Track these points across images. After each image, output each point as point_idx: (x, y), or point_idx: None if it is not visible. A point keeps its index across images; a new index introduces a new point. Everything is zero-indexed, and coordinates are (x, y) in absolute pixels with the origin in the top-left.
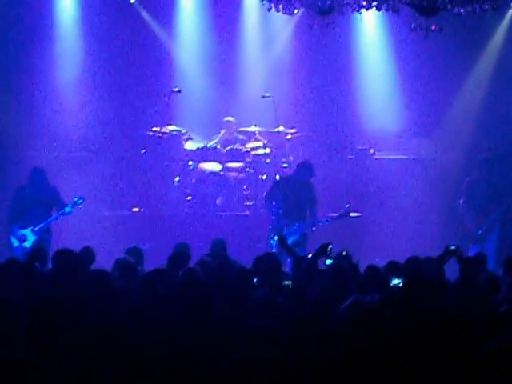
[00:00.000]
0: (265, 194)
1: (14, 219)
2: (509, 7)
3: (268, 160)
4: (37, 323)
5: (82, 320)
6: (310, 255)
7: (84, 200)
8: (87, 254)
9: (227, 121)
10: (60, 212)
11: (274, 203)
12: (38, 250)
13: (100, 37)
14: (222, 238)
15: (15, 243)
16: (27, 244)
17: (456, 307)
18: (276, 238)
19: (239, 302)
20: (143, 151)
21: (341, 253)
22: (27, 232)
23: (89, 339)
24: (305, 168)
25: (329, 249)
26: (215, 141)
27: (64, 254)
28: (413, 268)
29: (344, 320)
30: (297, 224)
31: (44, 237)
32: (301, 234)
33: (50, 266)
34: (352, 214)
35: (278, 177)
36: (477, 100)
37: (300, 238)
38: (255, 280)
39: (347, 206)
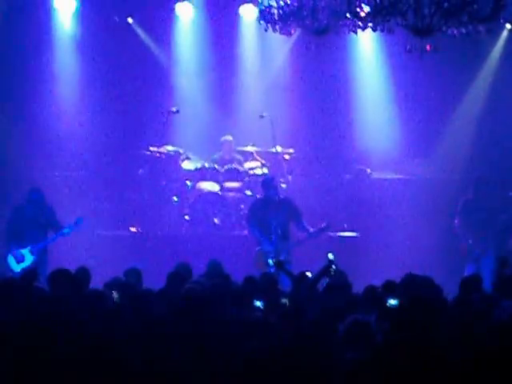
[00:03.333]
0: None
1: (11, 239)
2: (503, 28)
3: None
4: (32, 343)
5: (78, 339)
6: (309, 274)
7: (83, 221)
8: (83, 274)
9: (225, 140)
10: (59, 233)
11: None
12: (33, 271)
13: (98, 57)
14: (217, 260)
15: (13, 263)
16: (25, 264)
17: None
18: (272, 261)
19: (233, 322)
20: (141, 171)
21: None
22: (25, 252)
23: (84, 359)
24: (266, 185)
25: (332, 270)
26: (213, 159)
27: (60, 274)
28: (409, 287)
29: (344, 339)
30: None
31: (42, 257)
32: (286, 252)
33: (46, 286)
34: (346, 233)
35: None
36: (473, 120)
37: (287, 257)
38: (260, 303)
39: (324, 224)
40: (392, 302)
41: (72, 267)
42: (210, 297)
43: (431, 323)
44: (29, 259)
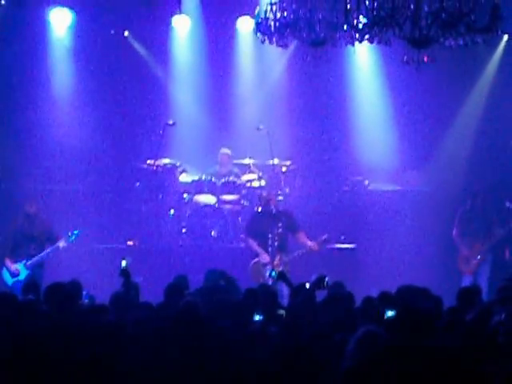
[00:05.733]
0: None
1: (6, 253)
2: (500, 39)
3: (264, 192)
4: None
5: (75, 353)
6: (307, 284)
7: (79, 234)
8: (75, 288)
9: (222, 153)
10: (54, 246)
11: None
12: (30, 285)
13: (94, 70)
14: (216, 269)
15: (7, 277)
16: (20, 278)
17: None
18: (274, 273)
19: (232, 334)
20: (138, 184)
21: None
22: (20, 266)
23: (81, 373)
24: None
25: (325, 281)
26: (211, 172)
27: (56, 289)
28: (405, 298)
29: (357, 352)
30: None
31: (37, 271)
32: (283, 264)
33: (42, 300)
34: (344, 245)
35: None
36: (470, 131)
37: (284, 269)
38: (259, 317)
39: (324, 237)
40: (389, 313)
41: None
42: (208, 309)
43: (428, 334)
44: (23, 273)
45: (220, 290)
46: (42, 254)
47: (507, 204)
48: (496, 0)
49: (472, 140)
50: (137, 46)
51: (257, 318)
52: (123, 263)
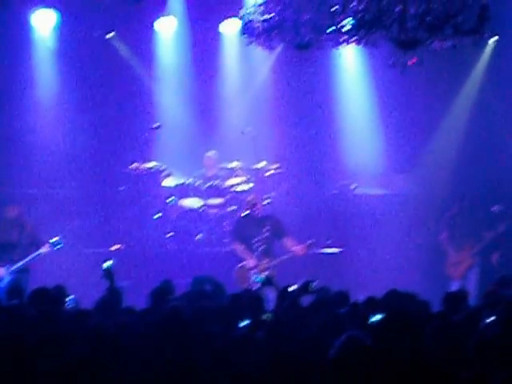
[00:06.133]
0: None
1: None
2: (488, 41)
3: (250, 196)
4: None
5: (60, 357)
6: (291, 289)
7: (62, 243)
8: (59, 292)
9: (208, 157)
10: (37, 252)
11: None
12: (14, 289)
13: (78, 72)
14: (203, 275)
15: None
16: (2, 283)
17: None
18: (260, 278)
19: (218, 339)
20: (122, 188)
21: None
22: (3, 271)
23: (65, 377)
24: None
25: (312, 286)
26: (197, 176)
27: (40, 294)
28: (392, 303)
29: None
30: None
31: (21, 276)
32: (269, 268)
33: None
34: (331, 249)
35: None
36: (457, 134)
37: (270, 273)
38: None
39: (310, 242)
40: (375, 318)
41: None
42: (194, 314)
43: (415, 338)
44: (6, 279)
45: (206, 295)
46: (26, 259)
47: (495, 208)
48: (483, 1)
49: (459, 143)
50: (121, 47)
51: (243, 323)
52: (106, 265)
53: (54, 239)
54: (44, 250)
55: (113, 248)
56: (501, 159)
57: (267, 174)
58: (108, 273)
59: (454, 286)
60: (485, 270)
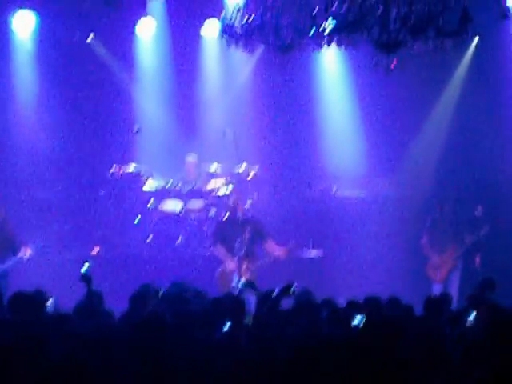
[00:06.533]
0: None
1: None
2: (470, 42)
3: (230, 199)
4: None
5: (41, 362)
6: (272, 293)
7: (43, 247)
8: (39, 296)
9: (188, 159)
10: (18, 257)
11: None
12: None
13: (58, 75)
14: (181, 282)
15: None
16: None
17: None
18: (241, 282)
19: (199, 343)
20: (102, 191)
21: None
22: None
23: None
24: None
25: (292, 289)
26: (177, 179)
27: (20, 298)
28: (373, 307)
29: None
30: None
31: (1, 280)
32: (250, 272)
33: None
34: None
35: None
36: (439, 137)
37: (251, 277)
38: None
39: (291, 244)
40: (357, 321)
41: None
42: (175, 318)
43: (396, 342)
44: None
45: (186, 299)
46: (5, 265)
47: (477, 211)
48: (465, 3)
49: (441, 146)
50: (101, 50)
51: (226, 326)
52: (83, 268)
53: (35, 242)
54: (25, 254)
55: (92, 251)
56: (483, 162)
57: (248, 176)
58: (85, 276)
59: (436, 290)
60: (466, 273)
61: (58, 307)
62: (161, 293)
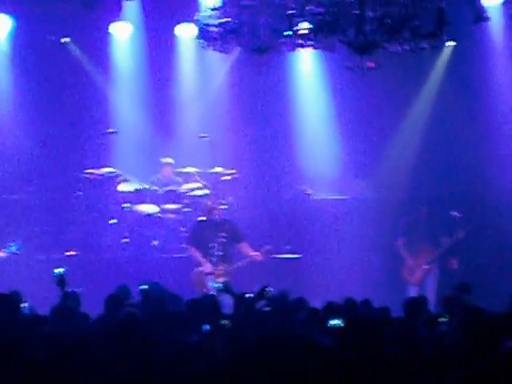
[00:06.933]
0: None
1: None
2: (446, 44)
3: (206, 201)
4: None
5: (15, 363)
6: (249, 295)
7: (18, 248)
8: (14, 298)
9: (164, 162)
10: None
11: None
12: None
13: (33, 77)
14: (157, 283)
15: None
16: None
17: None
18: (218, 284)
19: (175, 345)
20: (78, 194)
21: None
22: None
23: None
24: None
25: (267, 291)
26: (153, 181)
27: None
28: (350, 309)
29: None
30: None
31: None
32: (226, 274)
33: None
34: (288, 255)
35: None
36: (415, 139)
37: (226, 278)
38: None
39: (267, 248)
40: (334, 322)
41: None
42: (150, 320)
43: (374, 344)
44: None
45: (162, 302)
46: None
47: (453, 213)
48: (441, 4)
49: (418, 147)
50: (77, 52)
51: (205, 327)
52: (57, 271)
53: (9, 244)
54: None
55: (68, 253)
56: (459, 164)
57: (224, 178)
58: (60, 279)
59: (411, 292)
60: (443, 275)
61: (33, 309)
62: (137, 295)
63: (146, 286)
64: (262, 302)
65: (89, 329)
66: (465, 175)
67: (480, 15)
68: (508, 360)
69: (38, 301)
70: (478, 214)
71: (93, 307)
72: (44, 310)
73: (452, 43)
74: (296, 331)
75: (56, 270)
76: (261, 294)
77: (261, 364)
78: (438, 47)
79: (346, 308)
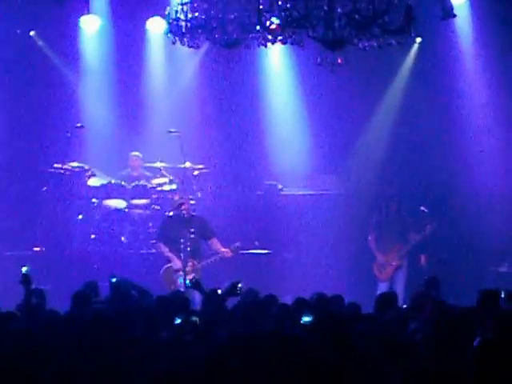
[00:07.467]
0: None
1: None
2: (414, 41)
3: (175, 196)
4: None
5: None
6: (219, 291)
7: None
8: None
9: (133, 157)
10: None
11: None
12: None
13: (0, 71)
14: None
15: None
16: None
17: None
18: (188, 281)
19: (144, 342)
20: (45, 188)
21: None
22: None
23: None
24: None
25: (238, 287)
26: (121, 176)
27: None
28: (321, 304)
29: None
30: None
31: None
32: (195, 270)
33: None
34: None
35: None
36: (384, 134)
37: (196, 274)
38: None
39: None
40: (306, 318)
41: None
42: (119, 317)
43: (346, 340)
44: None
45: (131, 298)
46: None
47: (422, 209)
48: (409, 1)
49: (387, 143)
50: (44, 46)
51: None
52: (23, 270)
53: None
54: None
55: (35, 249)
56: (428, 160)
57: (194, 173)
58: (25, 278)
59: (381, 288)
60: (412, 271)
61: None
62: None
63: (115, 279)
64: (233, 298)
65: (55, 326)
66: (433, 170)
67: (448, 12)
68: (481, 354)
69: (3, 298)
70: (447, 209)
71: (60, 304)
72: (10, 307)
73: (419, 40)
74: (267, 328)
75: (23, 269)
76: (232, 291)
77: (231, 361)
78: (406, 44)
79: (317, 304)
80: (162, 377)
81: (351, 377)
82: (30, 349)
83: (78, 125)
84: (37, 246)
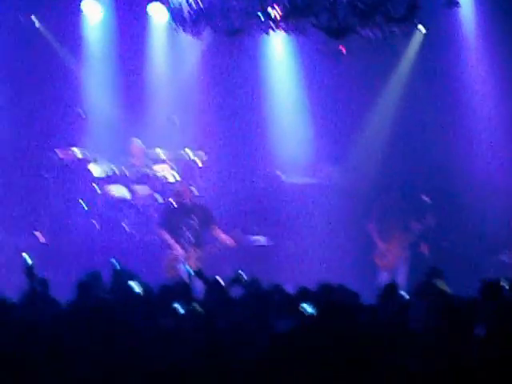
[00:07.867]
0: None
1: None
2: (417, 30)
3: (177, 185)
4: None
5: None
6: (220, 281)
7: None
8: None
9: (135, 145)
10: None
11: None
12: None
13: (2, 57)
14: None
15: None
16: None
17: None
18: (190, 269)
19: (146, 331)
20: (47, 175)
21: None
22: None
23: None
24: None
25: (242, 277)
26: (123, 163)
27: None
28: (324, 295)
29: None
30: None
31: None
32: (197, 258)
33: None
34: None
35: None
36: (386, 124)
37: (198, 263)
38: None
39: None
40: (308, 309)
41: None
42: (121, 307)
43: (348, 329)
44: None
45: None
46: None
47: (424, 198)
48: None
49: (388, 133)
50: (46, 33)
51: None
52: (26, 259)
53: None
54: None
55: (36, 235)
56: (430, 150)
57: (195, 162)
58: (29, 271)
59: (383, 277)
60: (415, 261)
61: (1, 295)
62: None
63: (116, 264)
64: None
65: (58, 315)
66: (435, 160)
67: (451, 1)
68: (484, 343)
69: (6, 286)
70: (449, 199)
71: (63, 292)
72: (13, 296)
73: (422, 29)
74: (270, 319)
75: (26, 259)
76: (235, 280)
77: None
78: (409, 33)
79: (320, 293)
80: (162, 365)
81: (352, 367)
82: (33, 338)
83: (80, 111)
84: (38, 233)
